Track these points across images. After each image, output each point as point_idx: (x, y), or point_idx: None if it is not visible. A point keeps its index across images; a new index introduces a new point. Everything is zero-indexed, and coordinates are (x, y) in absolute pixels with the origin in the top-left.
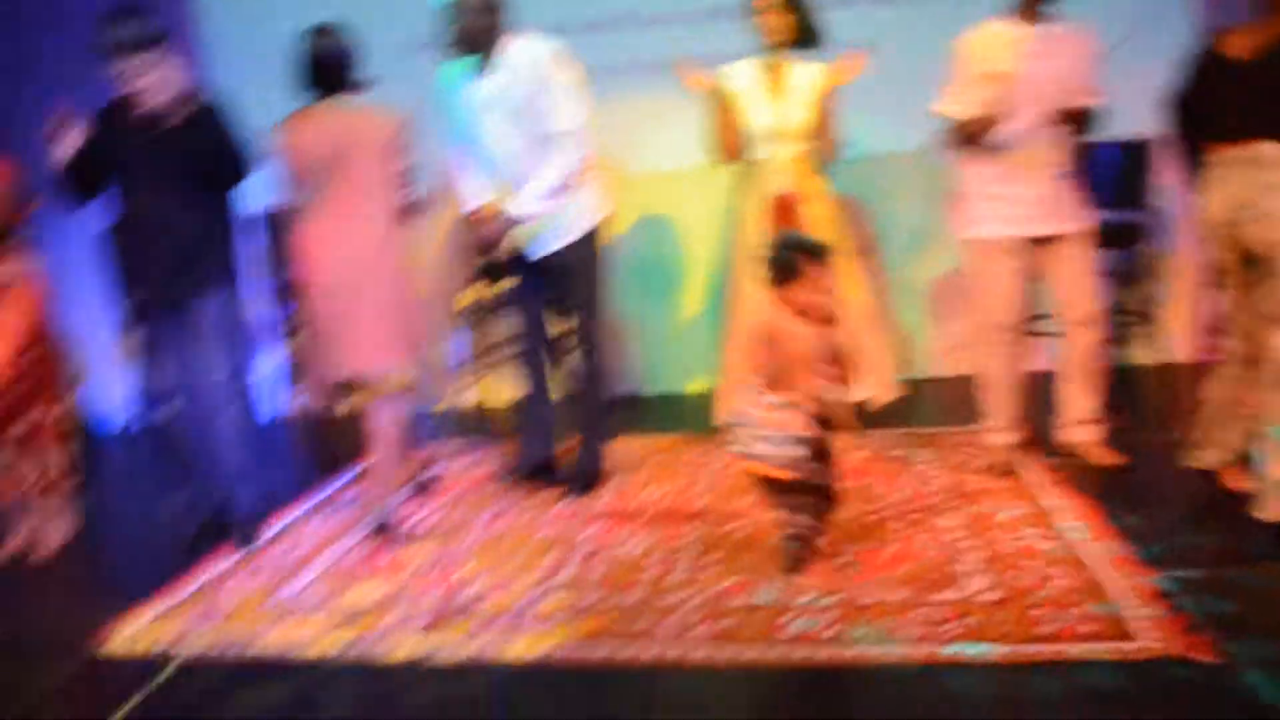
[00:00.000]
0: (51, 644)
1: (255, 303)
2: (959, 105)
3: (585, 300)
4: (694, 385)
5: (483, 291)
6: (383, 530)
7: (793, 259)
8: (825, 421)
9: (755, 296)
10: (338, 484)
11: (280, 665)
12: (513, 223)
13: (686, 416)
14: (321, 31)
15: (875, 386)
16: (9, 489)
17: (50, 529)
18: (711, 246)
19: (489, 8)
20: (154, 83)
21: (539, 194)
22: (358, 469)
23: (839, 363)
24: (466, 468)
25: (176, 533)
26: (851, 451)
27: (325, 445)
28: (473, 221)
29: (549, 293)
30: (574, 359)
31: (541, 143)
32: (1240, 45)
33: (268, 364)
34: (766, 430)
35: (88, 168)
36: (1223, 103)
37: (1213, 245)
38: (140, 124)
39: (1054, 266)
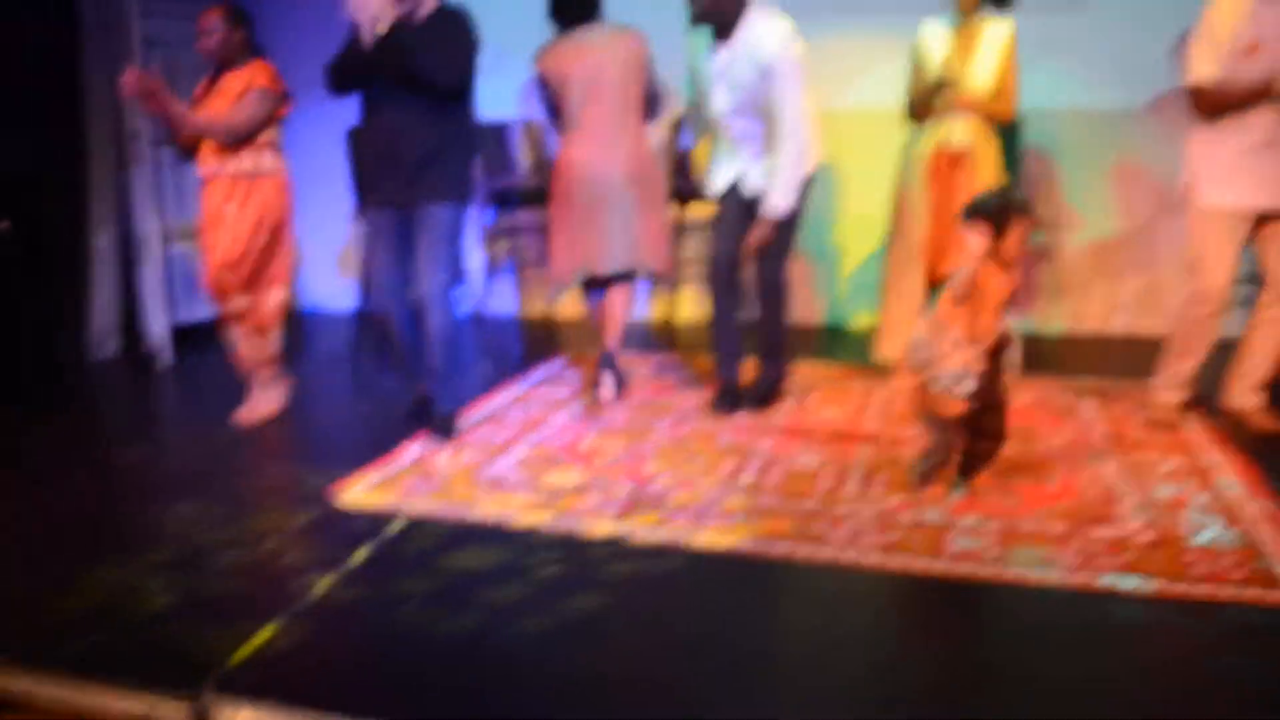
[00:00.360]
0: (289, 496)
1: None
2: (1213, 71)
3: (781, 236)
4: (862, 319)
5: (675, 213)
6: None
7: (1006, 213)
8: (1000, 362)
9: (916, 240)
10: (537, 377)
11: (494, 530)
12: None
13: (856, 348)
14: None
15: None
16: (239, 359)
17: (266, 399)
18: (887, 188)
19: None
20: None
21: (783, 194)
22: (555, 364)
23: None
24: (652, 374)
25: (390, 412)
26: (1019, 395)
27: (526, 341)
28: (680, 158)
29: (748, 225)
30: (762, 286)
31: (762, 120)
32: None
33: (477, 265)
34: (948, 365)
35: (357, 67)
36: None
37: None
38: (390, 37)
39: (1273, 238)
